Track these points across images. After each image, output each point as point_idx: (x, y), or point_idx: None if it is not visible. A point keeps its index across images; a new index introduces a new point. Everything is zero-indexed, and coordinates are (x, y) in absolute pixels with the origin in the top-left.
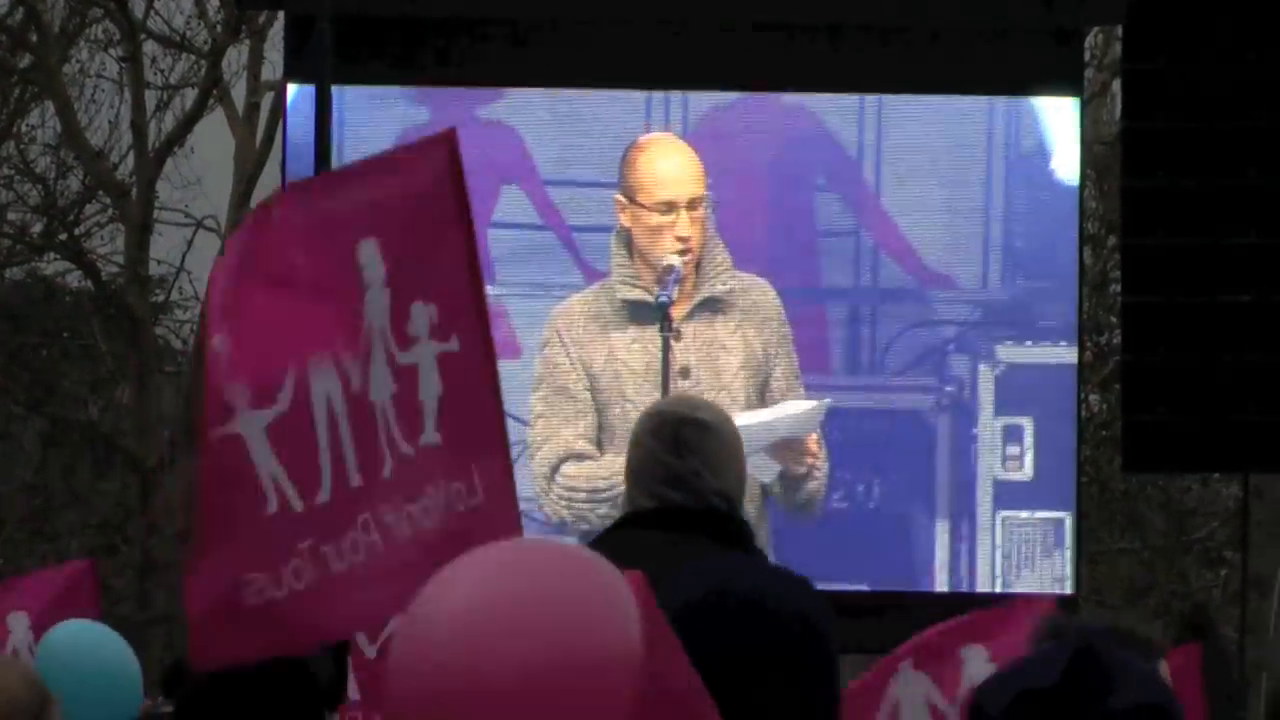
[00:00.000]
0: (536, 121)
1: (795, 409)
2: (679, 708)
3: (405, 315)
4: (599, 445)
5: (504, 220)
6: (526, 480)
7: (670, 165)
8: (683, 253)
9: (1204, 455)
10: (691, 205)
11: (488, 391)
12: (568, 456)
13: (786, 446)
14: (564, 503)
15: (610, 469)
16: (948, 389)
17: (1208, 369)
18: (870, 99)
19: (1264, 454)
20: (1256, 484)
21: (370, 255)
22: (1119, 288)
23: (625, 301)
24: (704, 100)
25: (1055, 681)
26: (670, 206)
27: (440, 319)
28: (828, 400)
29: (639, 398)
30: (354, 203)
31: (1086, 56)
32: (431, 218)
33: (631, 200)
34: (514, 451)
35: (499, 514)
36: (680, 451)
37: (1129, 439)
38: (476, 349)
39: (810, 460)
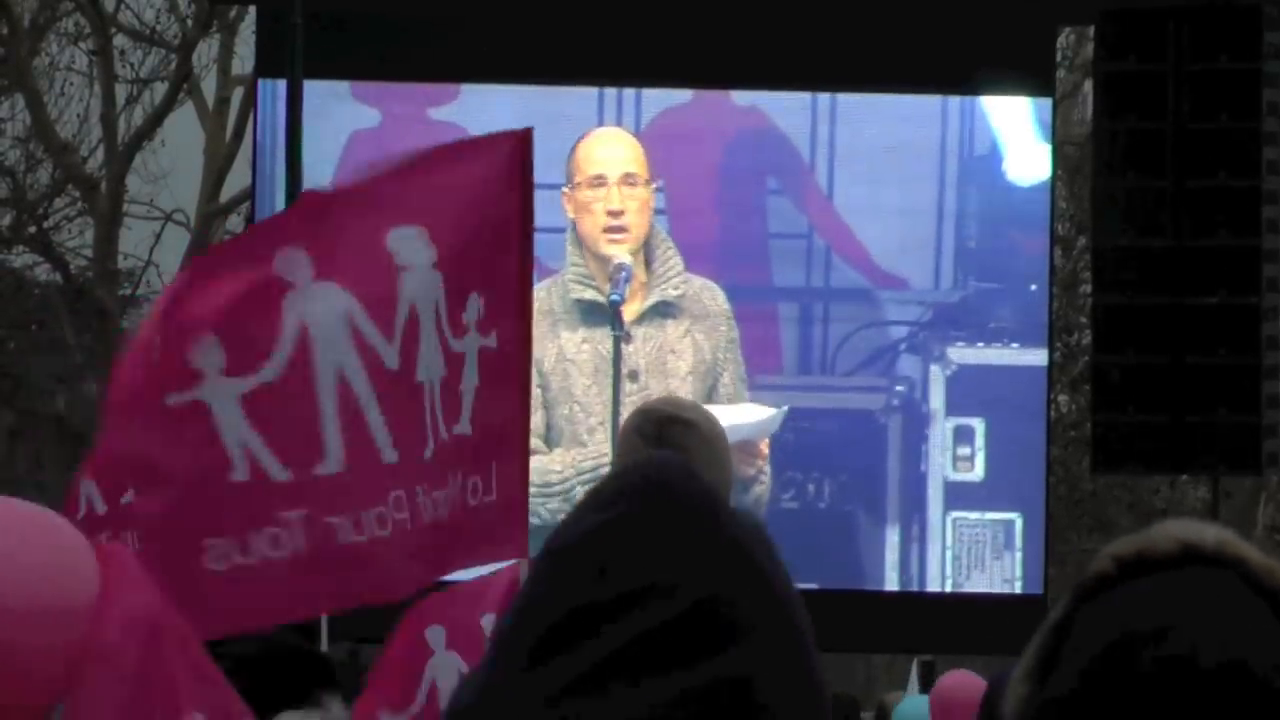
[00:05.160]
0: (488, 122)
1: (758, 414)
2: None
3: (461, 304)
4: (547, 442)
5: None
6: None
7: (605, 147)
8: (617, 230)
9: (1173, 456)
10: (626, 182)
11: (516, 392)
12: None
13: (739, 448)
14: None
15: (561, 463)
16: (899, 389)
17: (1177, 370)
18: (823, 97)
19: (1233, 455)
20: (1225, 486)
21: (404, 240)
22: (1089, 288)
23: (577, 301)
24: (657, 99)
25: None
26: (600, 180)
27: (486, 312)
28: (786, 408)
29: (586, 399)
30: (397, 189)
31: (1058, 57)
32: (493, 211)
33: (572, 187)
34: None
35: (508, 513)
36: (663, 449)
37: (1098, 439)
38: (514, 349)
39: (760, 463)
